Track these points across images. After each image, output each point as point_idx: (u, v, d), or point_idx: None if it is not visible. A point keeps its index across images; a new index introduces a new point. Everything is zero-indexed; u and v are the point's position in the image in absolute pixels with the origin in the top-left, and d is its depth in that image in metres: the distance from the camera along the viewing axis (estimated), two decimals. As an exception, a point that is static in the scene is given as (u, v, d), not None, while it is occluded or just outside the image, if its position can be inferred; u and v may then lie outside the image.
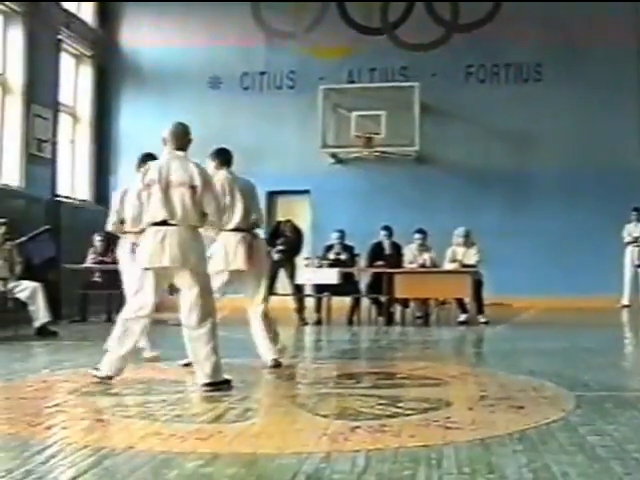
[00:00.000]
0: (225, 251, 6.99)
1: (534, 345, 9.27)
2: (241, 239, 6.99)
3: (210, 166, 7.12)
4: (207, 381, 5.82)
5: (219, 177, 7.04)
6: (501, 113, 15.93)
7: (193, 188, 5.90)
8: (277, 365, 6.99)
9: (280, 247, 12.33)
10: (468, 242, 12.28)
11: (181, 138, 6.19)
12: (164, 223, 5.86)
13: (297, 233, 12.77)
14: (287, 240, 12.46)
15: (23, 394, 5.74)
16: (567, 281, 14.68)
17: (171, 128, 6.26)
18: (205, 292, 5.96)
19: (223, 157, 7.30)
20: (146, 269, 5.95)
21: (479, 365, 7.98)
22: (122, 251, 7.62)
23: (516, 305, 14.57)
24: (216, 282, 6.82)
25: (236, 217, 7.00)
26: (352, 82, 16.42)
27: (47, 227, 11.46)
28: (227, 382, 5.91)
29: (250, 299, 7.14)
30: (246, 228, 7.07)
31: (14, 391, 5.91)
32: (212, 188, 6.07)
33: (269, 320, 7.19)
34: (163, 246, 5.83)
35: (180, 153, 6.11)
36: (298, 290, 12.42)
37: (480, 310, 12.02)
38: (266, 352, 7.06)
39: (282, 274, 12.44)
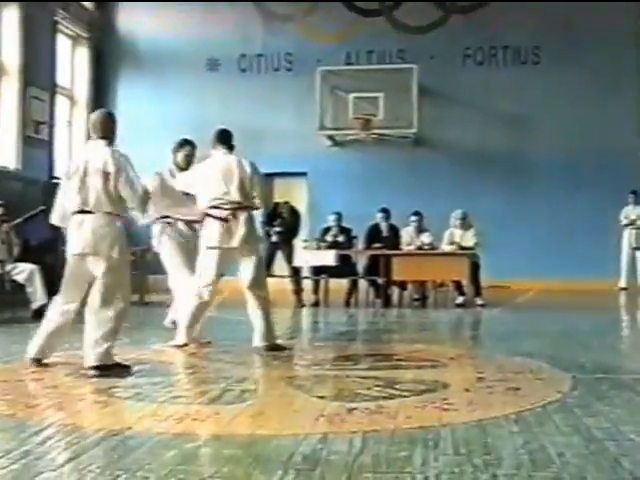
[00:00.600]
0: (217, 229, 6.95)
1: (531, 327, 9.30)
2: (218, 219, 6.95)
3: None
4: (93, 364, 5.77)
5: (215, 157, 7.14)
6: (499, 96, 15.90)
7: (106, 175, 5.92)
8: (272, 348, 6.96)
9: (277, 229, 12.32)
10: (465, 224, 12.27)
11: (103, 127, 6.16)
12: (82, 211, 5.94)
13: (294, 215, 12.76)
14: (284, 222, 12.45)
15: (21, 376, 5.74)
16: (565, 264, 14.71)
17: (94, 117, 6.29)
18: (116, 279, 5.95)
19: (219, 137, 7.31)
20: (72, 256, 6.05)
21: (476, 347, 8.00)
22: (154, 235, 7.88)
23: (514, 288, 14.58)
24: (209, 260, 6.92)
25: (230, 196, 6.99)
26: (350, 64, 16.39)
27: (42, 208, 11.42)
28: (120, 366, 5.85)
29: (245, 282, 7.07)
30: (227, 207, 7.01)
31: (12, 373, 5.91)
32: (126, 174, 5.96)
33: (269, 302, 7.19)
34: (80, 233, 5.93)
35: (101, 142, 6.10)
36: (295, 272, 12.42)
37: (477, 292, 12.02)
38: (258, 335, 7.04)
39: (279, 256, 12.45)
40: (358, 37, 16.31)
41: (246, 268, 7.06)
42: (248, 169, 7.22)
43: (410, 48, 16.19)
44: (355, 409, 4.48)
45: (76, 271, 6.06)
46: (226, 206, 6.96)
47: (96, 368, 5.74)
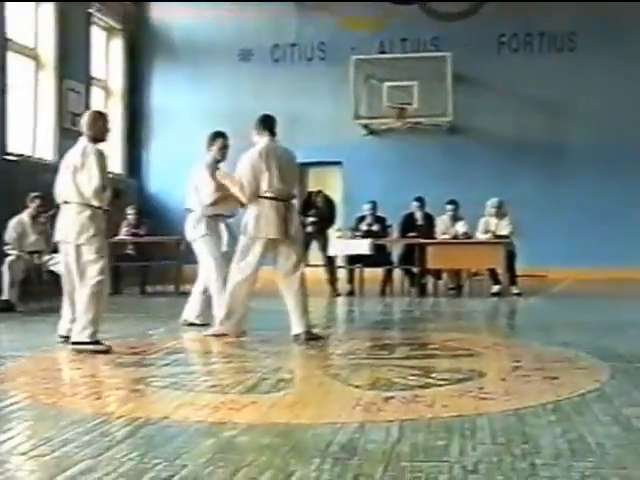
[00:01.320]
0: (257, 219, 6.94)
1: (568, 316, 9.21)
2: (275, 208, 6.94)
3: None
4: (74, 339, 6.32)
5: (260, 144, 7.08)
6: (535, 83, 15.73)
7: (75, 168, 6.43)
8: (309, 338, 6.96)
9: (312, 219, 12.33)
10: (501, 213, 12.19)
11: (88, 126, 6.57)
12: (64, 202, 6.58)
13: (329, 204, 12.76)
14: (319, 211, 12.46)
15: (59, 365, 5.81)
16: (602, 252, 14.56)
17: (84, 116, 6.76)
18: (87, 261, 6.38)
19: (262, 124, 7.20)
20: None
21: (512, 336, 7.95)
22: (188, 226, 7.97)
23: (551, 276, 14.47)
24: (250, 251, 6.96)
25: (271, 185, 6.93)
26: (384, 53, 16.30)
27: None
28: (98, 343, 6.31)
29: (282, 271, 7.06)
30: (281, 198, 7.01)
31: (51, 362, 5.98)
32: (89, 168, 6.37)
33: (305, 289, 7.18)
34: (57, 223, 6.63)
35: (84, 139, 6.53)
36: (330, 261, 12.42)
37: (513, 281, 11.95)
38: (296, 323, 7.05)
39: (314, 245, 12.46)
40: (392, 25, 16.21)
41: (290, 257, 7.03)
42: (295, 160, 7.31)
43: (444, 36, 16.07)
44: (392, 398, 4.48)
45: (63, 258, 6.62)
46: (283, 196, 7.00)
47: (74, 343, 6.29)
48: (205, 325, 7.64)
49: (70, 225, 6.45)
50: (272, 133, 7.16)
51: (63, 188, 6.57)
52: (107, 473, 3.12)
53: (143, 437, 3.69)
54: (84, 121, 6.63)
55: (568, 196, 15.26)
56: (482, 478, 3.04)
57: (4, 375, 5.35)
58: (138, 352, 6.35)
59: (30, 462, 3.31)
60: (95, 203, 6.45)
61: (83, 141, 6.55)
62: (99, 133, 6.60)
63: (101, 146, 6.55)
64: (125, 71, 16.78)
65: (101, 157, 6.45)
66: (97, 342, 6.34)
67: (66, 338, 6.63)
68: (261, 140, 7.09)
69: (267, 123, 7.17)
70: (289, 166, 7.14)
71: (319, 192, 12.98)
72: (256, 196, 6.91)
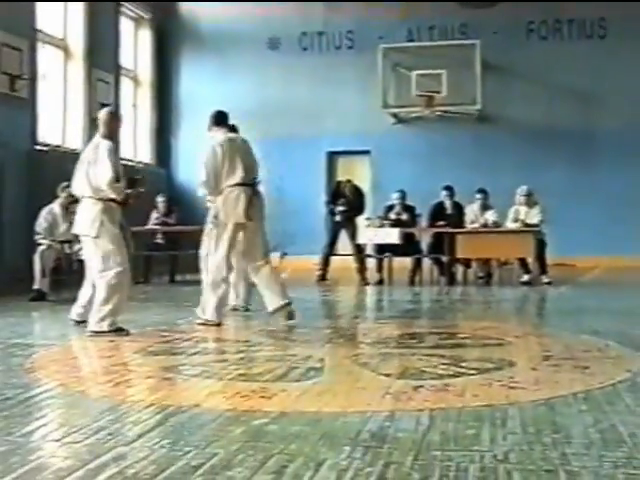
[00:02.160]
0: (226, 205, 7.24)
1: (598, 305, 9.15)
2: (242, 192, 7.21)
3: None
4: (93, 329, 6.56)
5: (217, 138, 7.40)
6: (564, 70, 15.61)
7: (89, 163, 6.70)
8: (287, 311, 7.31)
9: (341, 207, 12.35)
10: (531, 201, 12.12)
11: (103, 124, 6.88)
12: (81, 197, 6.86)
13: (358, 193, 12.77)
14: (347, 200, 12.47)
15: (90, 354, 5.86)
16: (632, 240, 14.45)
17: (99, 115, 7.07)
18: (96, 253, 6.68)
19: (216, 119, 7.54)
20: None
21: (542, 325, 7.92)
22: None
23: (580, 265, 14.38)
24: (224, 237, 7.24)
25: (237, 175, 7.24)
26: (411, 41, 16.24)
27: None
28: (120, 330, 6.59)
29: (251, 260, 7.36)
30: (248, 183, 7.30)
31: (82, 351, 6.03)
32: (101, 161, 6.62)
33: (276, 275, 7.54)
34: (76, 216, 6.97)
35: (98, 136, 6.84)
36: (359, 250, 12.43)
37: (543, 270, 11.89)
38: (272, 299, 7.29)
39: (343, 235, 12.48)
40: (419, 13, 16.13)
41: (257, 246, 7.37)
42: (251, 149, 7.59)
43: (472, 23, 15.98)
44: (421, 387, 4.47)
45: (83, 250, 7.03)
46: (247, 182, 7.29)
47: (94, 333, 6.50)
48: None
49: (85, 219, 6.71)
50: (227, 126, 7.54)
51: (79, 183, 6.81)
52: (138, 460, 3.14)
53: (174, 425, 3.71)
54: (100, 118, 6.94)
55: (598, 184, 15.15)
56: (513, 467, 3.03)
57: (36, 363, 5.39)
58: (168, 340, 6.39)
59: (63, 449, 3.34)
60: (110, 195, 6.64)
61: (97, 138, 6.87)
62: (112, 131, 6.91)
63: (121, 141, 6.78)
64: (153, 61, 16.85)
65: (112, 151, 6.71)
66: (118, 329, 6.57)
67: (78, 322, 6.96)
68: (217, 135, 7.43)
69: (220, 118, 7.53)
70: (248, 154, 7.44)
71: (348, 181, 13.00)
72: (219, 188, 7.24)
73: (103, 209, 6.65)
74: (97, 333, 6.48)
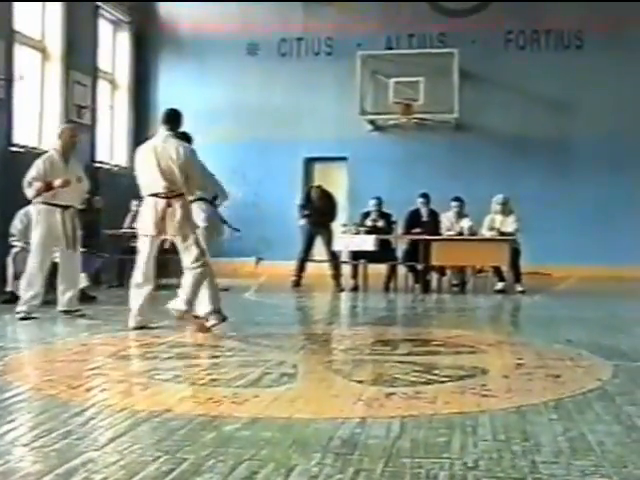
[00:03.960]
0: (140, 217, 7.42)
1: (572, 314, 9.21)
2: (152, 205, 7.12)
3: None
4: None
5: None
6: (542, 80, 15.71)
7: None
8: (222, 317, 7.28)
9: (306, 212, 12.46)
10: (506, 210, 12.18)
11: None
12: None
13: (326, 198, 12.78)
14: (314, 206, 12.55)
15: (63, 357, 5.82)
16: (608, 250, 14.55)
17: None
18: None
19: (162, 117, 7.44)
20: None
21: (515, 334, 7.96)
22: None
23: (555, 274, 14.46)
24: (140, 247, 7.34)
25: (146, 182, 7.23)
26: (390, 48, 16.29)
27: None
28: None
29: (185, 266, 7.17)
30: (159, 194, 7.09)
31: (54, 354, 5.99)
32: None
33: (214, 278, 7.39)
34: None
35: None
36: (334, 257, 12.44)
37: (517, 279, 11.95)
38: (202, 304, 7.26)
39: (319, 241, 12.50)
40: (399, 21, 16.20)
41: (189, 252, 7.14)
42: (182, 154, 7.13)
43: (451, 32, 16.06)
44: (393, 394, 4.48)
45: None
46: (160, 192, 7.08)
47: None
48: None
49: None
50: (168, 127, 7.27)
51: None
52: (108, 465, 3.13)
53: (145, 430, 3.70)
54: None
55: (573, 193, 15.25)
56: (482, 475, 3.04)
57: (7, 367, 5.36)
58: (142, 345, 6.36)
59: (32, 453, 3.32)
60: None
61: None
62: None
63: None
64: (132, 64, 16.79)
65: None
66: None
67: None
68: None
69: (164, 118, 7.37)
70: (168, 160, 7.05)
71: (317, 187, 13.11)
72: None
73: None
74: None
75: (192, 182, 7.16)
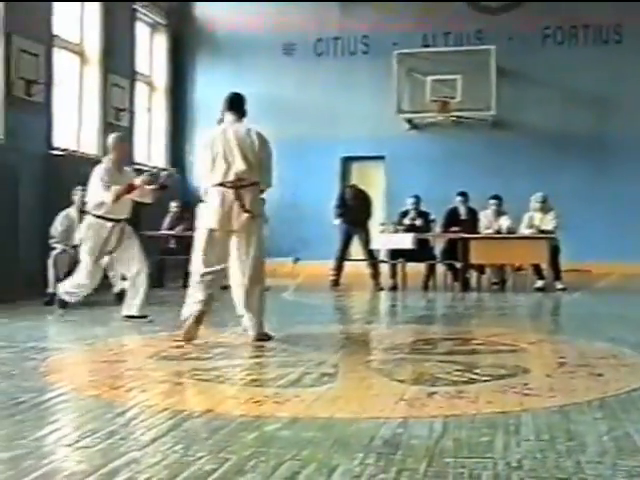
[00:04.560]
0: (203, 209, 6.63)
1: (614, 312, 9.11)
2: (220, 196, 6.45)
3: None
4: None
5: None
6: (580, 76, 15.55)
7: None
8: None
9: (339, 210, 12.48)
10: (545, 207, 12.08)
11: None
12: None
13: (362, 198, 12.75)
14: (349, 205, 12.56)
15: (104, 358, 5.87)
16: (648, 247, 14.38)
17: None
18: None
19: (224, 103, 6.89)
20: None
21: (557, 332, 7.88)
22: None
23: (595, 271, 14.31)
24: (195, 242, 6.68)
25: (217, 172, 6.50)
26: (427, 46, 16.21)
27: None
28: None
29: (238, 267, 6.56)
30: (230, 185, 6.48)
31: (96, 355, 6.04)
32: None
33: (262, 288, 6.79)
34: None
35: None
36: (373, 256, 12.42)
37: (557, 276, 11.84)
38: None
39: (355, 240, 12.50)
40: (435, 19, 16.12)
41: (248, 250, 6.54)
42: (262, 142, 6.60)
43: (488, 29, 15.95)
44: (435, 393, 4.46)
45: None
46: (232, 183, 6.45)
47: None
48: None
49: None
50: (234, 113, 6.72)
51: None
52: (151, 465, 3.14)
53: (187, 430, 3.71)
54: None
55: (613, 190, 15.07)
56: (526, 475, 3.01)
57: (50, 367, 5.41)
58: (182, 345, 6.39)
59: (76, 453, 3.35)
60: None
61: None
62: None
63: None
64: (169, 66, 16.90)
65: None
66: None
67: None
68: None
69: (228, 103, 6.82)
70: (245, 147, 6.46)
71: (352, 186, 13.11)
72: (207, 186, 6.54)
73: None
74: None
75: (268, 172, 6.60)
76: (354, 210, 12.50)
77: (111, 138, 8.40)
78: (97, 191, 7.91)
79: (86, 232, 8.04)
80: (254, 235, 6.48)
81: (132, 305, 7.95)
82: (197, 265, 6.48)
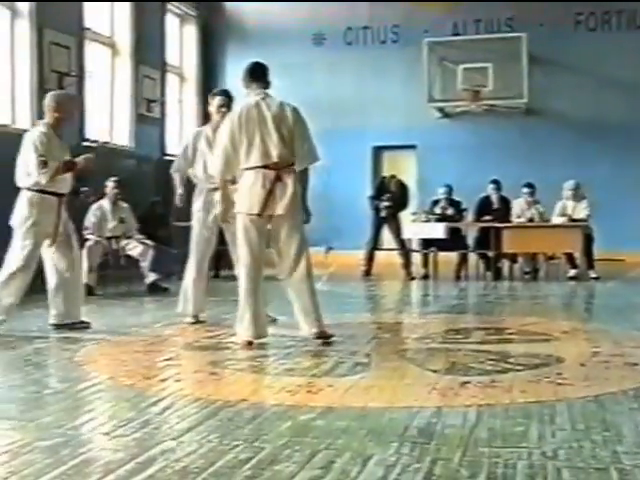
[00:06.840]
0: (238, 194, 6.06)
1: (648, 301, 9.03)
2: (257, 179, 5.89)
3: None
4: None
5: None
6: (613, 62, 15.38)
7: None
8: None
9: (386, 203, 12.34)
10: (578, 196, 11.99)
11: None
12: None
13: (403, 188, 12.74)
14: (393, 196, 12.46)
15: (138, 348, 5.90)
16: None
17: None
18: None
19: (247, 75, 6.39)
20: None
21: (590, 321, 7.83)
22: None
23: (629, 260, 14.18)
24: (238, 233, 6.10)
25: (251, 152, 5.93)
26: (457, 34, 16.11)
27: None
28: None
29: (284, 258, 6.01)
30: (270, 166, 5.91)
31: (130, 345, 6.08)
32: None
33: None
34: None
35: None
36: (404, 245, 12.39)
37: (590, 265, 11.76)
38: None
39: (386, 229, 12.48)
40: (465, 6, 15.99)
41: (287, 241, 5.99)
42: (297, 115, 6.11)
43: (519, 16, 15.80)
44: (468, 383, 4.45)
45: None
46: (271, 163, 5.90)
47: None
48: None
49: None
50: (261, 84, 6.25)
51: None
52: (187, 454, 3.16)
53: (221, 419, 3.72)
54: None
55: (647, 178, 14.91)
56: (562, 465, 3.00)
57: (85, 357, 5.46)
58: (215, 336, 6.42)
59: (112, 442, 3.38)
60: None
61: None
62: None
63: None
64: (199, 57, 16.93)
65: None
66: None
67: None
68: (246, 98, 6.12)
69: (251, 73, 6.34)
70: (281, 123, 5.95)
71: (393, 177, 13.00)
72: (234, 170, 5.99)
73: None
74: None
75: (311, 147, 6.05)
76: (396, 201, 12.44)
77: (54, 95, 6.91)
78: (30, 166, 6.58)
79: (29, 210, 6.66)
80: (297, 219, 5.97)
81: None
82: (244, 257, 5.92)
